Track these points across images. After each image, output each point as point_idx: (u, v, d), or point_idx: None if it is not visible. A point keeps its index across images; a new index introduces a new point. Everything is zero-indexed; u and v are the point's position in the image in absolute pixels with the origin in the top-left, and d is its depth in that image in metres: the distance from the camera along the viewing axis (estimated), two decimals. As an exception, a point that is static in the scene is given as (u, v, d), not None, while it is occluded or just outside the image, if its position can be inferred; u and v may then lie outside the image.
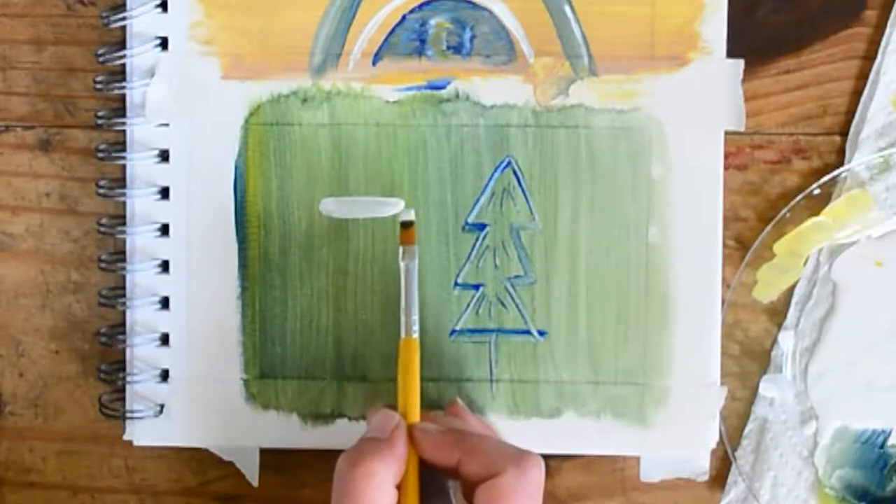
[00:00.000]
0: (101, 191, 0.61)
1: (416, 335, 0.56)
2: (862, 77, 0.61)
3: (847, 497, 0.62)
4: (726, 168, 0.61)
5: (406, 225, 0.57)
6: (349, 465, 0.53)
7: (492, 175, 0.61)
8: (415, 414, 0.55)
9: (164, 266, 0.61)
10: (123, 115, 0.61)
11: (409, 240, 0.57)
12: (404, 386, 0.56)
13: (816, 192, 0.61)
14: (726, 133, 0.61)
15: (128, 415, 0.62)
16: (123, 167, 0.61)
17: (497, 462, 0.53)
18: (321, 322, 0.61)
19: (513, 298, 0.61)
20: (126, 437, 0.62)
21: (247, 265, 0.61)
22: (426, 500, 0.54)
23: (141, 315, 0.61)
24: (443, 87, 0.61)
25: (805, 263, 0.61)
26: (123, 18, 0.60)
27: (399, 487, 0.54)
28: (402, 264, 0.57)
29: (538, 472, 0.53)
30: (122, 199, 0.61)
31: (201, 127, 0.61)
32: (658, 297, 0.61)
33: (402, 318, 0.56)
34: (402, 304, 0.56)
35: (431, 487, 0.55)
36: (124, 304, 0.61)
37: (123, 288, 0.62)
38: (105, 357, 0.62)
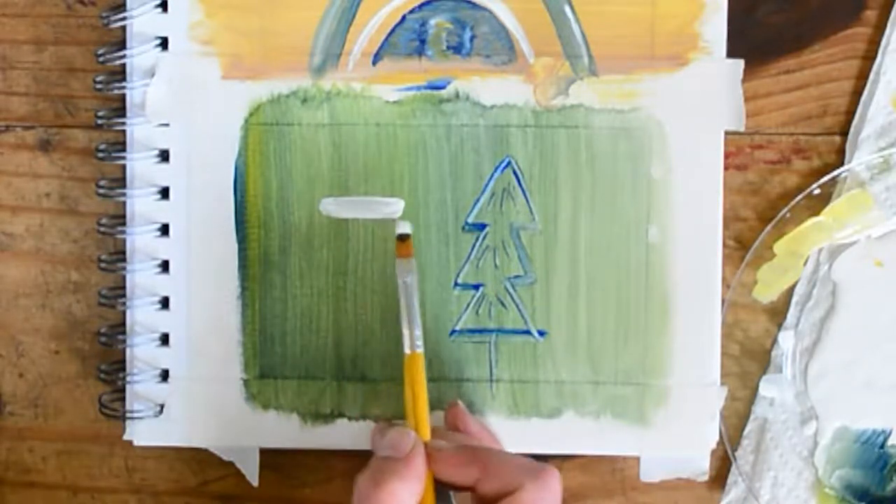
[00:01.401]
0: (101, 191, 0.61)
1: (420, 350, 0.56)
2: (862, 77, 0.61)
3: (847, 497, 0.62)
4: (726, 168, 0.61)
5: (403, 238, 0.57)
6: (373, 485, 0.53)
7: (492, 175, 0.61)
8: (425, 430, 0.55)
9: (164, 266, 0.61)
10: (123, 115, 0.61)
11: (407, 252, 0.57)
12: (413, 402, 0.55)
13: (816, 192, 0.61)
14: (726, 133, 0.61)
15: (128, 415, 0.62)
16: (123, 167, 0.61)
17: (516, 478, 0.52)
18: (321, 322, 0.61)
19: (513, 298, 0.61)
20: (126, 437, 0.62)
21: (247, 265, 0.61)
22: None
23: (141, 315, 0.61)
24: (443, 87, 0.61)
25: (805, 263, 0.61)
26: (123, 18, 0.60)
27: None
28: (400, 281, 0.56)
29: (557, 485, 0.53)
30: (122, 199, 0.61)
31: (201, 127, 0.61)
32: (658, 297, 0.61)
33: (406, 333, 0.56)
34: (404, 320, 0.56)
35: (439, 499, 0.55)
36: (124, 304, 0.61)
37: (123, 288, 0.62)
38: (105, 357, 0.62)
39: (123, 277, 0.62)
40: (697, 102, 0.60)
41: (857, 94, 0.61)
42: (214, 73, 0.61)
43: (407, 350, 0.56)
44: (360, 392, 0.61)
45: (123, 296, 0.61)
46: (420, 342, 0.56)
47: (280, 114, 0.61)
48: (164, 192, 0.61)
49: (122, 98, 0.61)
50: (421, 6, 0.61)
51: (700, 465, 0.62)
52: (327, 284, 0.61)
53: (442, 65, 0.61)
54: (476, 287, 0.61)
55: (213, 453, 0.62)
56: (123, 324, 0.62)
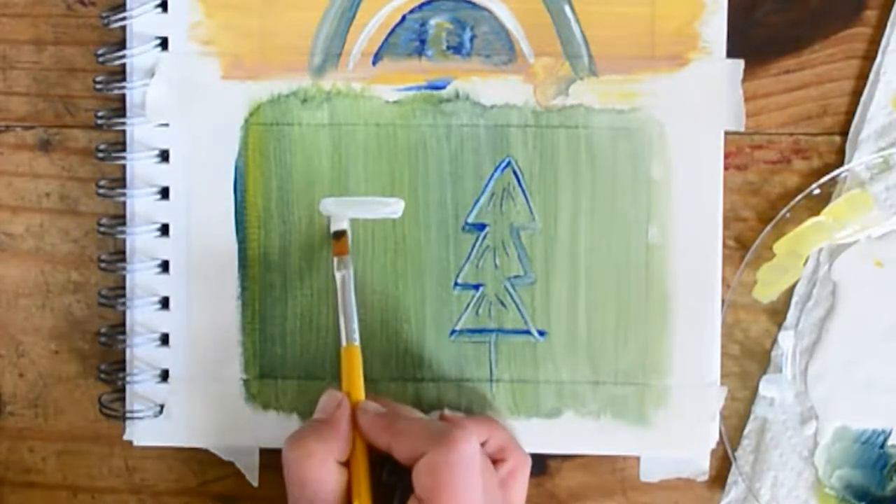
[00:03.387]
0: (101, 191, 0.61)
1: (356, 342, 0.57)
2: (862, 77, 0.61)
3: (847, 497, 0.62)
4: (726, 168, 0.61)
5: (338, 235, 0.59)
6: (289, 447, 0.54)
7: (492, 175, 0.61)
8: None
9: (164, 266, 0.61)
10: (123, 115, 0.61)
11: (343, 250, 0.59)
12: (350, 388, 0.56)
13: (816, 192, 0.61)
14: (726, 133, 0.61)
15: (128, 415, 0.62)
16: (123, 167, 0.61)
17: (421, 442, 0.53)
18: (321, 322, 0.61)
19: (513, 298, 0.61)
20: (126, 437, 0.62)
21: (247, 265, 0.61)
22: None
23: (141, 315, 0.61)
24: (443, 87, 0.61)
25: (805, 263, 0.61)
26: (123, 18, 0.60)
27: (350, 466, 0.55)
28: (337, 275, 0.58)
29: (467, 446, 0.53)
30: (122, 199, 0.61)
31: (201, 127, 0.61)
32: (658, 297, 0.61)
33: (342, 326, 0.57)
34: (340, 313, 0.58)
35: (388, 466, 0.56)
36: (124, 304, 0.61)
37: (123, 288, 0.62)
38: (105, 357, 0.62)
39: (123, 277, 0.62)
40: (697, 102, 0.60)
41: (857, 94, 0.61)
42: (214, 73, 0.61)
43: (344, 343, 0.57)
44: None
45: (123, 296, 0.61)
46: (356, 335, 0.57)
47: (280, 114, 0.61)
48: (164, 192, 0.61)
49: (122, 98, 0.61)
50: (421, 6, 0.61)
51: (700, 465, 0.62)
52: (327, 284, 0.61)
53: (442, 65, 0.61)
54: (476, 287, 0.61)
55: (213, 453, 0.62)
56: (123, 324, 0.62)
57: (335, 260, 0.59)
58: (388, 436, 0.54)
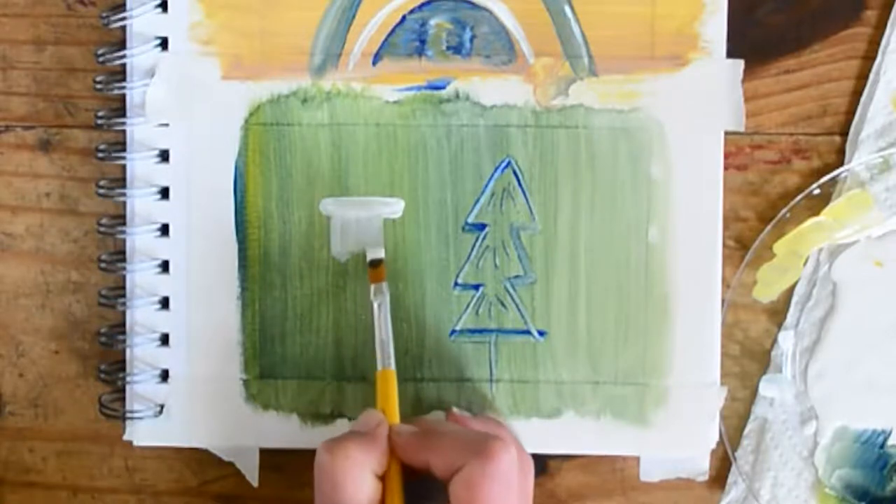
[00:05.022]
0: (101, 191, 0.61)
1: (392, 367, 0.57)
2: (862, 77, 0.61)
3: (847, 497, 0.62)
4: (726, 168, 0.61)
5: (374, 263, 0.59)
6: (326, 449, 0.54)
7: (492, 175, 0.61)
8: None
9: (164, 266, 0.61)
10: (123, 115, 0.61)
11: (379, 277, 0.59)
12: (384, 409, 0.57)
13: (816, 192, 0.61)
14: (726, 133, 0.61)
15: (128, 415, 0.62)
16: (123, 167, 0.61)
17: (459, 455, 0.53)
18: (321, 322, 0.61)
19: (513, 298, 0.61)
20: (126, 438, 0.62)
21: (247, 265, 0.61)
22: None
23: (141, 315, 0.61)
24: (443, 88, 0.61)
25: (805, 263, 0.61)
26: (123, 18, 0.60)
27: (384, 482, 0.54)
28: (374, 302, 0.58)
29: (506, 457, 0.53)
30: (122, 199, 0.61)
31: (201, 127, 0.61)
32: (658, 297, 0.61)
33: (379, 352, 0.58)
34: (377, 339, 0.58)
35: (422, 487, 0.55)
36: (124, 304, 0.61)
37: (123, 288, 0.62)
38: (105, 357, 0.62)
39: (123, 277, 0.62)
40: (697, 102, 0.60)
41: (857, 94, 0.61)
42: (214, 73, 0.61)
43: (380, 367, 0.57)
44: (359, 392, 0.61)
45: (123, 296, 0.61)
46: (392, 360, 0.57)
47: (280, 114, 0.61)
48: (164, 192, 0.61)
49: (122, 98, 0.61)
50: (421, 6, 0.61)
51: (700, 465, 0.62)
52: (327, 284, 0.61)
53: (442, 65, 0.61)
54: (476, 287, 0.61)
55: (213, 453, 0.62)
56: (123, 324, 0.62)
57: (372, 287, 0.59)
58: (424, 453, 0.54)
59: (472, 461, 0.53)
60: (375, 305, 0.58)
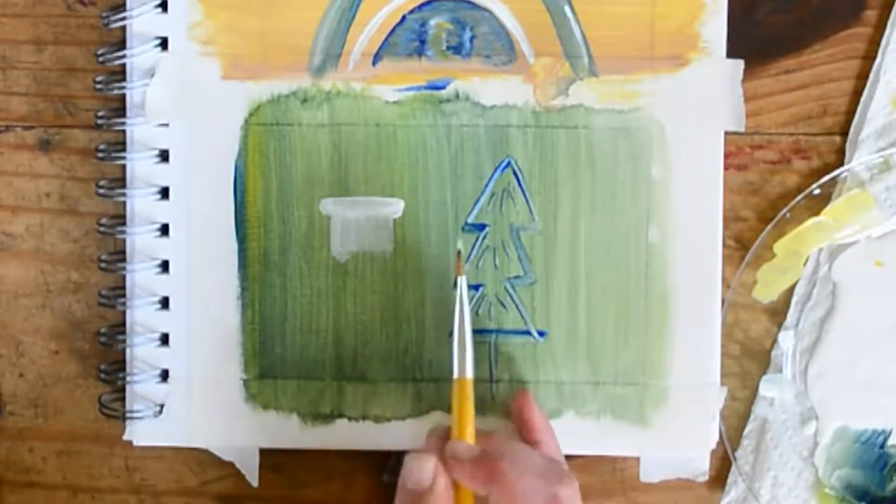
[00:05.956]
0: (101, 191, 0.61)
1: (469, 376, 0.56)
2: (862, 77, 0.61)
3: (847, 497, 0.62)
4: (726, 168, 0.61)
5: (460, 254, 0.58)
6: None
7: (492, 175, 0.61)
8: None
9: (164, 266, 0.61)
10: (123, 115, 0.61)
11: (460, 270, 0.57)
12: (460, 425, 0.55)
13: (816, 192, 0.61)
14: (726, 133, 0.61)
15: (128, 415, 0.62)
16: (123, 167, 0.61)
17: (525, 499, 0.52)
18: (321, 322, 0.61)
19: (513, 299, 0.61)
20: (126, 437, 0.62)
21: (247, 265, 0.61)
22: None
23: (141, 315, 0.61)
24: (443, 88, 0.61)
25: (805, 263, 0.61)
26: (123, 18, 0.60)
27: None
28: (456, 297, 0.57)
29: (570, 492, 0.52)
30: (122, 199, 0.61)
31: (201, 127, 0.61)
32: (658, 297, 0.61)
33: (456, 357, 0.56)
34: (456, 342, 0.56)
35: None
36: (124, 304, 0.61)
37: (123, 288, 0.62)
38: (105, 357, 0.62)
39: (123, 277, 0.62)
40: (697, 103, 0.60)
41: (857, 94, 0.61)
42: (214, 73, 0.61)
43: (456, 374, 0.56)
44: (359, 392, 0.61)
45: (123, 296, 0.61)
46: (468, 367, 0.56)
47: (280, 114, 0.61)
48: (164, 192, 0.61)
49: (122, 98, 0.61)
50: (421, 6, 0.61)
51: (700, 466, 0.62)
52: (327, 284, 0.61)
53: (442, 65, 0.61)
54: (476, 287, 0.61)
55: (213, 453, 0.62)
56: (123, 324, 0.62)
57: (460, 280, 0.57)
58: (486, 483, 0.53)
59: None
60: (457, 300, 0.57)
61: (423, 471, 0.53)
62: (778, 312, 0.62)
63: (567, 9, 0.60)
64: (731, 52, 0.60)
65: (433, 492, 0.53)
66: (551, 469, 0.53)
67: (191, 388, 0.61)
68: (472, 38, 0.61)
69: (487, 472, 0.53)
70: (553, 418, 0.61)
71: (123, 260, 0.61)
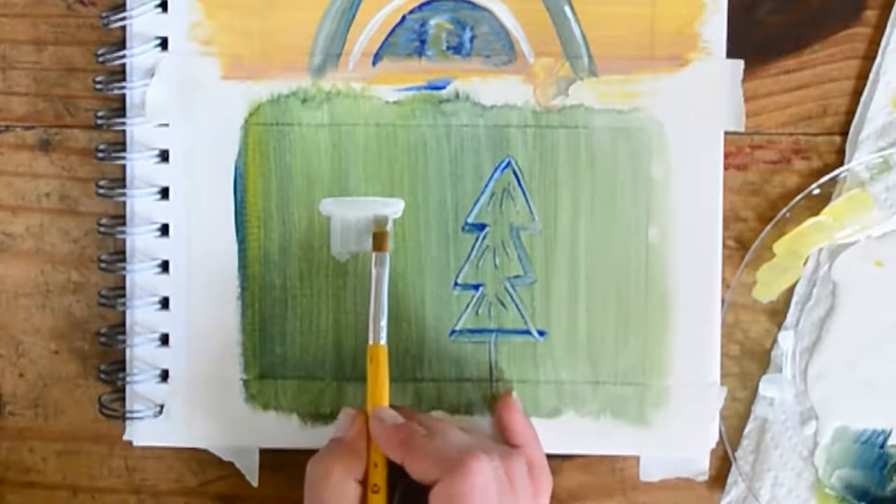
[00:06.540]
0: (101, 191, 0.61)
1: (384, 342, 0.57)
2: (862, 77, 0.61)
3: (847, 497, 0.62)
4: (726, 168, 0.61)
5: (379, 233, 0.59)
6: (309, 468, 0.55)
7: (492, 175, 0.61)
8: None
9: (164, 266, 0.61)
10: (123, 115, 0.61)
11: (381, 247, 0.59)
12: (374, 389, 0.57)
13: (816, 192, 0.61)
14: (726, 133, 0.61)
15: (128, 415, 0.62)
16: (123, 167, 0.61)
17: (434, 468, 0.53)
18: (321, 322, 0.61)
19: (513, 298, 0.61)
20: (126, 438, 0.62)
21: (247, 265, 0.61)
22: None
23: (141, 315, 0.61)
24: (443, 88, 0.61)
25: (805, 263, 0.61)
26: (123, 18, 0.60)
27: (363, 482, 0.55)
28: (374, 271, 0.59)
29: (480, 478, 0.53)
30: (122, 199, 0.61)
31: (201, 127, 0.61)
32: (658, 297, 0.61)
33: (371, 325, 0.58)
34: (371, 311, 0.58)
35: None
36: (124, 304, 0.61)
37: (123, 288, 0.62)
38: (105, 357, 0.62)
39: (123, 277, 0.62)
40: (697, 103, 0.60)
41: (857, 94, 0.61)
42: (214, 73, 0.61)
43: (371, 340, 0.58)
44: (359, 392, 0.61)
45: (123, 296, 0.61)
46: (384, 333, 0.58)
47: (280, 114, 0.61)
48: (164, 192, 0.61)
49: (122, 98, 0.61)
50: (421, 6, 0.61)
51: (700, 465, 0.62)
52: (327, 284, 0.61)
53: (442, 65, 0.61)
54: (476, 287, 0.61)
55: (213, 453, 0.62)
56: (123, 324, 0.62)
57: (374, 256, 0.59)
58: (402, 452, 0.54)
59: (448, 477, 0.53)
60: (374, 273, 0.58)
61: (346, 422, 0.57)
62: (778, 312, 0.62)
63: (567, 9, 0.60)
64: (731, 52, 0.60)
65: (349, 441, 0.56)
66: (459, 447, 0.54)
67: (191, 388, 0.61)
68: (472, 38, 0.61)
69: (403, 437, 0.55)
70: (553, 418, 0.61)
71: (123, 260, 0.61)
